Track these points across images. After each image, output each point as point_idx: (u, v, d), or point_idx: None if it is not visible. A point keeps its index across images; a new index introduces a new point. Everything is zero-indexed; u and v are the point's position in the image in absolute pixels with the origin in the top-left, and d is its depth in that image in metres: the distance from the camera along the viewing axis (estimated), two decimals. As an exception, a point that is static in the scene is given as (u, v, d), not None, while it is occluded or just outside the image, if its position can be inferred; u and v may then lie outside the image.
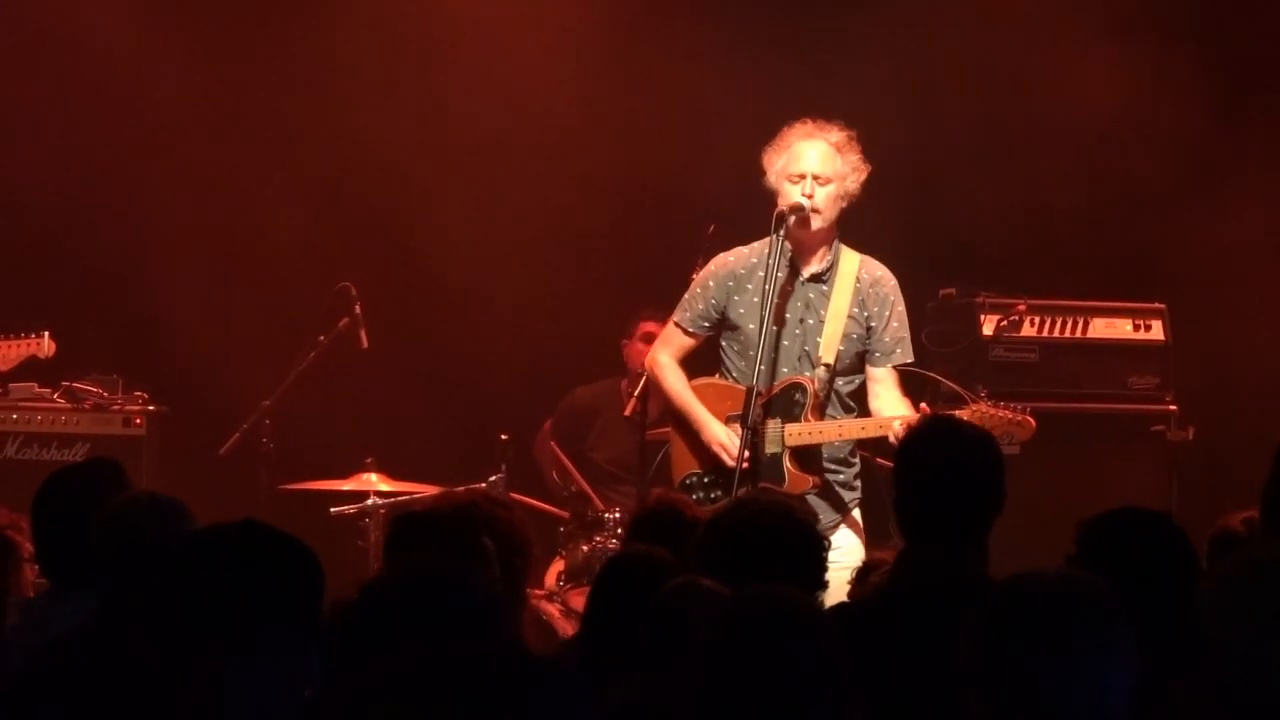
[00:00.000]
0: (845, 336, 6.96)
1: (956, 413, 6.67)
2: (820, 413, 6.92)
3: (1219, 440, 8.58)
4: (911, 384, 7.16)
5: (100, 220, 9.68)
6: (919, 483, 4.67)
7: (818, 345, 6.94)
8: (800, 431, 6.87)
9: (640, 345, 8.80)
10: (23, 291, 9.34)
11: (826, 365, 6.92)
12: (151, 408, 8.69)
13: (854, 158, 6.98)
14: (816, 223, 6.95)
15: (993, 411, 6.83)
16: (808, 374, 6.92)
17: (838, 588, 5.19)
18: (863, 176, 7.00)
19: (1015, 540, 7.99)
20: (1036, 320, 8.79)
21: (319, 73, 9.74)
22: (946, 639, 3.25)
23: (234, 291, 9.72)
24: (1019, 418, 6.87)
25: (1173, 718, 3.50)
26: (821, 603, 4.57)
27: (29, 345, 8.22)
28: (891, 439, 6.58)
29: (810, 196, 6.91)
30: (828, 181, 6.94)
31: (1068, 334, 8.80)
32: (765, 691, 3.33)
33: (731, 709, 3.34)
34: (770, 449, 6.88)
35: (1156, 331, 8.83)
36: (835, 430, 6.89)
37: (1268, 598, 3.28)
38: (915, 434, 4.95)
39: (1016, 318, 8.75)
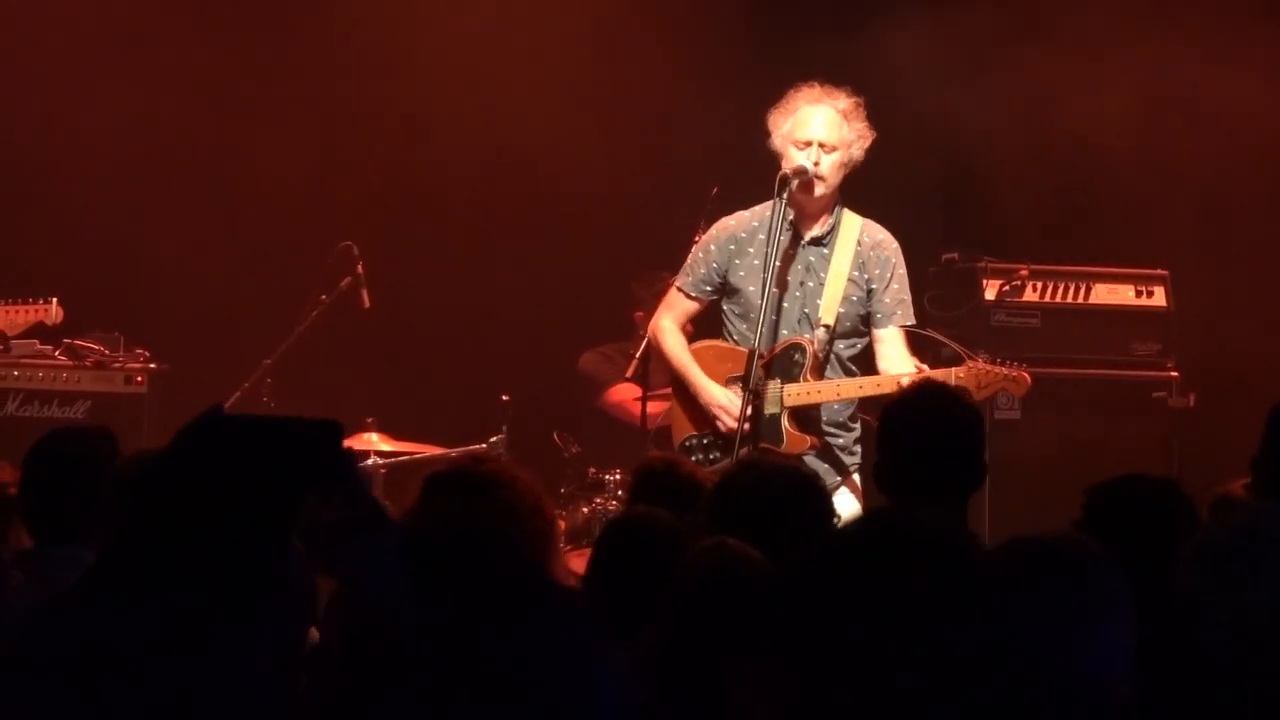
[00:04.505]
0: (845, 299, 6.96)
1: (953, 370, 6.73)
2: (819, 373, 6.92)
3: (1220, 407, 8.57)
4: (912, 345, 7.16)
5: (102, 178, 9.65)
6: (900, 450, 4.71)
7: (818, 307, 6.95)
8: (799, 392, 6.88)
9: None
10: (25, 249, 9.34)
11: (826, 327, 6.93)
12: (153, 365, 8.67)
13: (860, 125, 6.98)
14: (820, 189, 6.95)
15: (988, 368, 6.84)
16: (807, 335, 6.93)
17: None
18: (867, 143, 7.00)
19: (1015, 504, 8.06)
20: (1039, 285, 8.77)
21: (320, 34, 9.72)
22: (889, 592, 3.23)
23: (236, 250, 9.71)
24: (1014, 373, 6.86)
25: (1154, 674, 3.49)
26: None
27: (37, 311, 8.22)
28: None
29: (816, 164, 6.91)
30: (833, 149, 6.94)
31: (1070, 299, 8.79)
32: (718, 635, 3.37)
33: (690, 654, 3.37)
34: (769, 409, 6.88)
35: (1159, 297, 8.82)
36: (834, 390, 6.90)
37: (1239, 555, 3.28)
38: (898, 401, 4.97)
39: (1019, 283, 8.74)
